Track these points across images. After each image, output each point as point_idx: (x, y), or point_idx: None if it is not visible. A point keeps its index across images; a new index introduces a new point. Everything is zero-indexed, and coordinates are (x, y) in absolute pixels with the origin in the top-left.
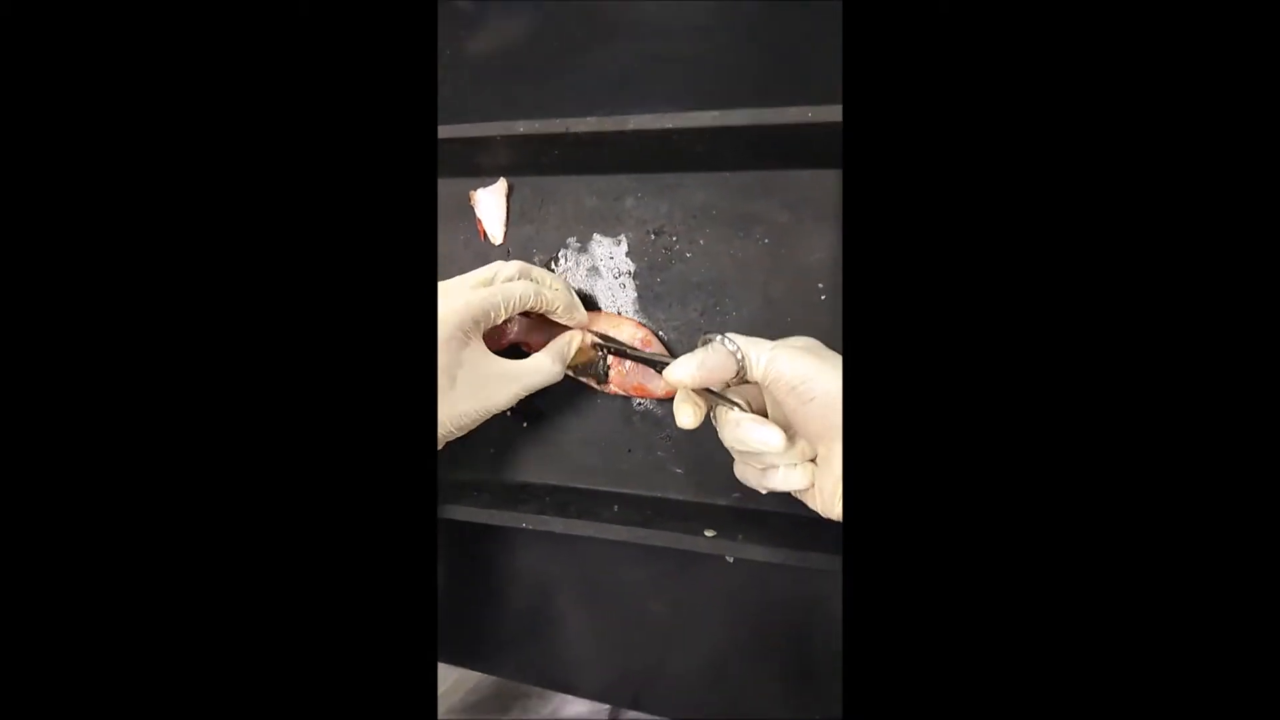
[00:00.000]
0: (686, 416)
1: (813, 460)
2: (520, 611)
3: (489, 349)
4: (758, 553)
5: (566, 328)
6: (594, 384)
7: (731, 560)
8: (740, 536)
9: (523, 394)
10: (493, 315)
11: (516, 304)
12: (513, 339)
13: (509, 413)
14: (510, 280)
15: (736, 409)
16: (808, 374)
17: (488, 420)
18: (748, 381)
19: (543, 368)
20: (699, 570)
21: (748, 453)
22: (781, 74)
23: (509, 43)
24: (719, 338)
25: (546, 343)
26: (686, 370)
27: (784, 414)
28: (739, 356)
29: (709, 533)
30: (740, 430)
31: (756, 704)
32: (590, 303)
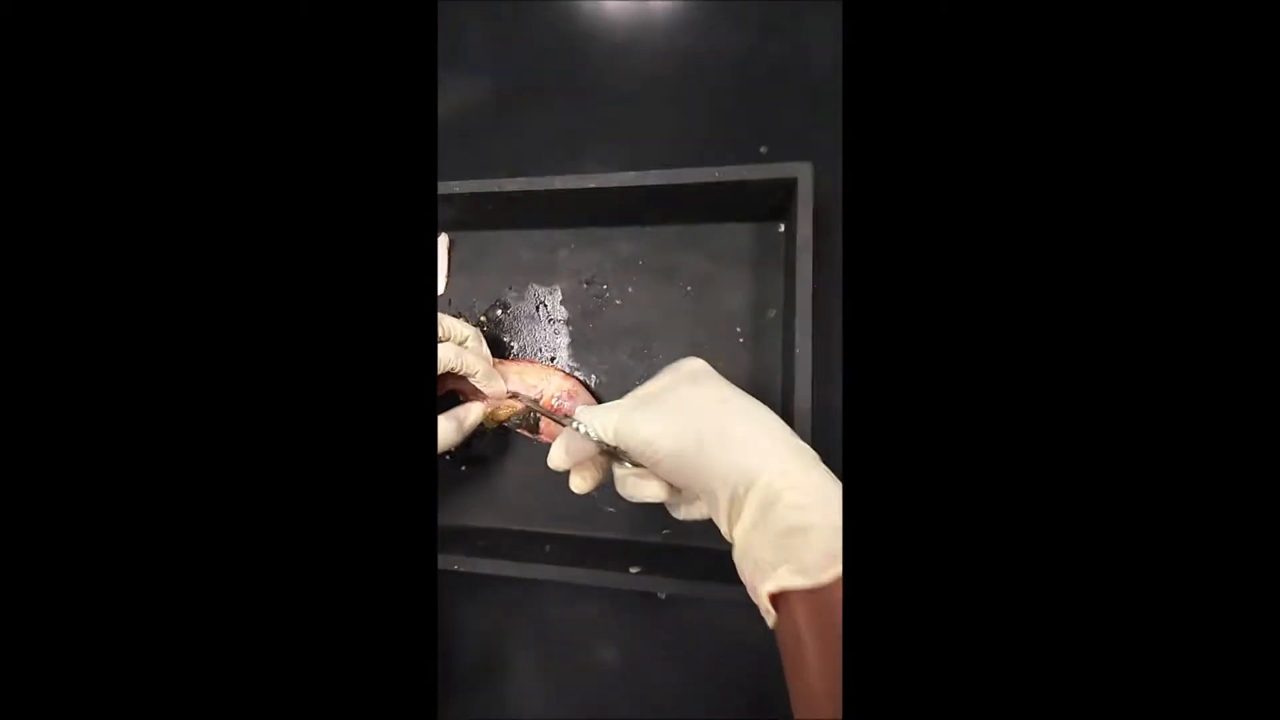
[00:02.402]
0: (576, 484)
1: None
2: (463, 662)
3: None
4: (683, 587)
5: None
6: (527, 434)
7: (664, 596)
8: (660, 572)
9: None
10: None
11: (438, 367)
12: (450, 387)
13: (447, 456)
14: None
15: (627, 464)
16: (650, 437)
17: None
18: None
19: (439, 429)
20: (644, 612)
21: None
22: (708, 137)
23: (452, 106)
24: (573, 422)
25: (477, 391)
26: (558, 458)
27: None
28: (592, 435)
29: (634, 569)
30: (626, 487)
31: None
32: (510, 351)
